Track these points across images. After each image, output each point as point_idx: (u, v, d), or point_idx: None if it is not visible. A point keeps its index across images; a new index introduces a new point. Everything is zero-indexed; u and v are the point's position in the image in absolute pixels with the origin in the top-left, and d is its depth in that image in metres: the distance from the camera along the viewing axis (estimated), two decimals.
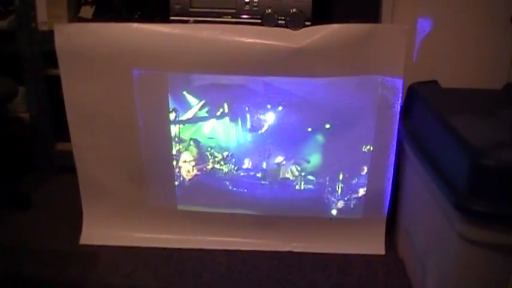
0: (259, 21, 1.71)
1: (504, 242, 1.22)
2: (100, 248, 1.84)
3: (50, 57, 1.75)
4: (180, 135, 1.79)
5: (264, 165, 1.81)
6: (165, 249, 1.84)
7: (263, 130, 1.76)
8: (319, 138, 1.76)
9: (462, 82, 1.82)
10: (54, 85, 1.77)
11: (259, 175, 1.82)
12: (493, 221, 1.21)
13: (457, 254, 1.31)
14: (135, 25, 1.64)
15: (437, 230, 1.44)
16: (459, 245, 1.27)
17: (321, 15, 1.74)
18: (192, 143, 1.80)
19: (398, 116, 1.69)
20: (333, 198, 1.83)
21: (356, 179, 1.80)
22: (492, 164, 1.19)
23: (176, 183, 1.84)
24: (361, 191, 1.81)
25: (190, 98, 1.74)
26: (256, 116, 1.75)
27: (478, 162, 1.21)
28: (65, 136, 1.80)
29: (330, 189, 1.82)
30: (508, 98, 1.72)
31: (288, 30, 1.66)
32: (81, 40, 1.66)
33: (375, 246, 1.84)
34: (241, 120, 1.76)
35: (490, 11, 1.90)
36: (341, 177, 1.80)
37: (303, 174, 1.81)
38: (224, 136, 1.78)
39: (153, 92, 1.71)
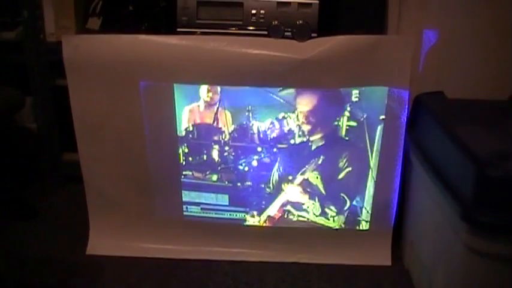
0: (265, 32, 1.71)
1: (511, 253, 1.21)
2: (106, 258, 1.84)
3: (57, 68, 1.75)
4: None
5: (272, 179, 1.81)
6: (171, 259, 1.84)
7: (269, 143, 1.76)
8: (326, 150, 1.76)
9: (468, 93, 1.80)
10: (62, 96, 1.77)
11: (266, 188, 1.82)
12: (499, 232, 1.21)
13: (464, 265, 1.30)
14: (142, 37, 1.65)
15: (443, 240, 1.44)
16: (466, 256, 1.27)
17: (327, 26, 1.73)
18: None
19: (404, 127, 1.68)
20: (338, 210, 1.82)
21: (362, 190, 1.79)
22: (498, 175, 1.19)
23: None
24: (367, 202, 1.80)
25: None
26: (261, 130, 1.75)
27: (484, 173, 1.21)
28: (72, 146, 1.80)
29: (335, 200, 1.81)
30: None
31: (294, 41, 1.66)
32: (88, 51, 1.67)
33: (381, 257, 1.83)
34: (246, 133, 1.76)
35: (495, 21, 1.87)
36: (347, 188, 1.80)
37: (309, 188, 1.82)
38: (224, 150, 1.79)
39: (160, 103, 1.71)
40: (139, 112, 1.71)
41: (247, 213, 1.85)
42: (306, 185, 1.81)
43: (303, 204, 1.83)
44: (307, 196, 1.82)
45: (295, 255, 1.85)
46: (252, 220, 1.86)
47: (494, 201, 1.20)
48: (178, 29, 1.73)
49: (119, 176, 1.82)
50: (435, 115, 1.61)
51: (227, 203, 1.85)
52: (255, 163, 1.79)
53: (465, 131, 1.42)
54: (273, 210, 1.85)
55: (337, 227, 1.84)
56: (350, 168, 1.77)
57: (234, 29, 1.73)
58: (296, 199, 1.83)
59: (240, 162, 1.79)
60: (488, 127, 1.50)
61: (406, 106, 1.67)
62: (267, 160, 1.78)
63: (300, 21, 1.68)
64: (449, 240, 1.36)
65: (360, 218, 1.83)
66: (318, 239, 1.86)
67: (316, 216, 1.84)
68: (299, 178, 1.80)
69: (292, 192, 1.82)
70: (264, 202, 1.84)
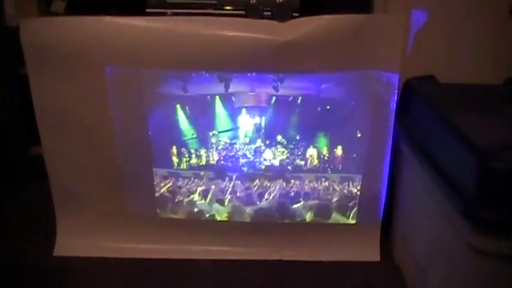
0: (243, 12, 1.67)
1: None
2: (75, 260, 1.76)
3: (21, 56, 1.65)
4: None
5: (252, 170, 1.76)
6: (146, 260, 1.76)
7: (250, 132, 1.72)
8: (309, 139, 1.72)
9: (460, 77, 1.75)
10: (27, 85, 1.68)
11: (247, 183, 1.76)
12: (505, 230, 1.12)
13: (466, 266, 1.23)
14: (107, 18, 1.56)
15: (441, 238, 1.37)
16: (468, 256, 1.19)
17: (309, 5, 1.70)
18: None
19: (394, 114, 1.62)
20: (325, 202, 1.77)
21: (349, 182, 1.74)
22: (503, 167, 1.11)
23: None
24: (355, 195, 1.74)
25: None
26: (244, 117, 1.70)
27: (488, 165, 1.12)
28: (40, 140, 1.73)
29: (322, 193, 1.76)
30: (510, 94, 1.65)
31: (274, 22, 1.58)
32: (49, 35, 1.57)
33: (370, 252, 1.78)
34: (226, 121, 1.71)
35: (489, 2, 1.86)
36: (334, 179, 1.75)
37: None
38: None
39: (129, 92, 1.63)
40: (106, 101, 1.63)
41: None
42: None
43: None
44: None
45: (279, 253, 1.79)
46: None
47: (500, 196, 1.11)
48: (148, 10, 1.69)
49: (87, 170, 1.74)
50: (428, 101, 1.54)
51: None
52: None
53: (462, 118, 1.34)
54: None
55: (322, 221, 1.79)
56: (335, 159, 1.72)
57: (208, 8, 1.68)
58: None
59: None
60: (486, 113, 1.42)
61: (396, 91, 1.60)
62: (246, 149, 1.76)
63: (281, 0, 1.64)
64: (449, 238, 1.29)
65: (346, 212, 1.77)
66: (302, 234, 1.80)
67: None
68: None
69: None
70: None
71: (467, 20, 1.87)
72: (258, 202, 1.76)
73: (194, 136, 1.71)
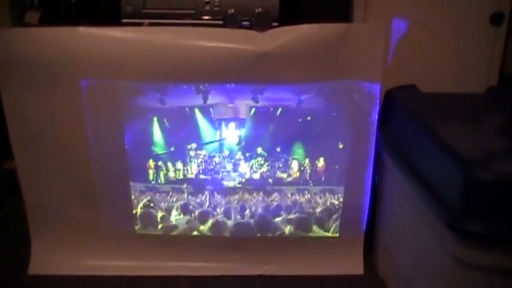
0: (221, 22, 1.66)
1: (505, 265, 1.12)
2: (51, 279, 1.72)
3: None
4: None
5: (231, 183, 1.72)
6: (123, 277, 1.72)
7: (229, 144, 1.69)
8: (290, 151, 1.69)
9: (441, 86, 1.75)
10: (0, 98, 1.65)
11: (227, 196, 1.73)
12: (491, 242, 1.11)
13: (451, 279, 1.21)
14: (82, 29, 1.53)
15: (426, 250, 1.36)
16: (453, 268, 1.18)
17: (288, 15, 1.69)
18: None
19: (376, 125, 1.61)
20: (306, 215, 1.74)
21: (332, 194, 1.71)
22: (489, 178, 1.09)
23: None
24: (337, 207, 1.72)
25: None
26: (223, 129, 1.67)
27: (473, 175, 1.11)
28: (13, 154, 1.69)
29: (304, 206, 1.73)
30: (492, 102, 1.65)
31: (253, 32, 1.57)
32: (22, 46, 1.54)
33: (353, 265, 1.75)
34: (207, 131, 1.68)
35: (468, 10, 1.87)
36: (315, 192, 1.72)
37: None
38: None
39: (105, 104, 1.60)
40: (81, 114, 1.60)
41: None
42: None
43: None
44: None
45: (260, 267, 1.76)
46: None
47: (486, 207, 1.10)
48: (123, 20, 1.67)
49: (62, 185, 1.70)
50: (410, 111, 1.53)
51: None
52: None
53: (445, 127, 1.33)
54: None
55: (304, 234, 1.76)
56: (316, 170, 1.71)
57: (186, 18, 1.66)
58: None
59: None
60: (469, 123, 1.42)
61: (378, 102, 1.59)
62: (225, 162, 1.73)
63: (259, 10, 1.64)
64: (434, 250, 1.27)
65: (328, 225, 1.75)
66: (283, 248, 1.78)
67: None
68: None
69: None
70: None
71: (448, 29, 1.87)
72: (238, 216, 1.73)
73: (172, 149, 1.68)
